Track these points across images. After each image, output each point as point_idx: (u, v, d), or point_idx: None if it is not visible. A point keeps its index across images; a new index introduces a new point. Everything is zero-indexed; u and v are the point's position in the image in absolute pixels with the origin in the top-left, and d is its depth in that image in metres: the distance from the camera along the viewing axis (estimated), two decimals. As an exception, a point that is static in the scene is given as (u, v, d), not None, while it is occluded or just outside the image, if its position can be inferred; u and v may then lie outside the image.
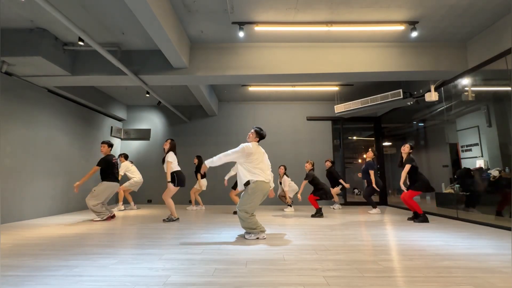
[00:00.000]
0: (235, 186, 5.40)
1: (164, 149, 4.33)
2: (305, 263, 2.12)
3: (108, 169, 4.29)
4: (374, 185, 5.36)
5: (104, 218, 4.25)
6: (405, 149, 4.36)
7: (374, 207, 5.38)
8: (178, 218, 4.22)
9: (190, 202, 7.04)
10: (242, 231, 3.41)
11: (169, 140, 4.34)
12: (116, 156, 6.21)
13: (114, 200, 7.10)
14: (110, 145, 4.50)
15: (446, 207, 4.92)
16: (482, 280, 1.79)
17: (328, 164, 6.00)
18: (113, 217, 4.39)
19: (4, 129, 4.08)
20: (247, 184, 3.07)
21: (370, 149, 5.67)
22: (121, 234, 3.20)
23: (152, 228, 3.60)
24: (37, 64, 4.05)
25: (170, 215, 4.18)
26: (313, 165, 5.21)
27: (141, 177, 6.08)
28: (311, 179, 4.90)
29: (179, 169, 4.26)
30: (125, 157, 6.14)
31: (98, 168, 4.23)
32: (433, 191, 4.44)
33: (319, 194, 4.80)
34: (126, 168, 5.93)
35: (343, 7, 3.66)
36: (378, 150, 7.32)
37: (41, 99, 4.84)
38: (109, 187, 4.25)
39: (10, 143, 4.19)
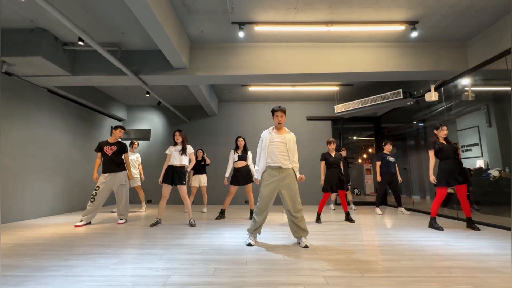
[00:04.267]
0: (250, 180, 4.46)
1: (175, 141, 3.97)
2: (305, 263, 2.12)
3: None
4: (399, 177, 5.27)
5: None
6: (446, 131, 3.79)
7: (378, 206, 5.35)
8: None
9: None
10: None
11: (180, 132, 3.98)
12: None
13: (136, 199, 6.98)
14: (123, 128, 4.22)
15: (446, 207, 4.92)
16: (482, 280, 1.79)
17: (344, 153, 5.83)
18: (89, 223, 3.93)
19: (4, 129, 4.08)
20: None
21: (388, 142, 5.40)
22: (121, 234, 3.20)
23: (152, 228, 3.60)
24: (37, 64, 4.05)
25: (191, 217, 3.90)
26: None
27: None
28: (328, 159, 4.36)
29: None
30: (138, 144, 5.68)
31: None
32: None
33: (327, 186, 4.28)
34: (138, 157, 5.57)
35: (343, 7, 3.66)
36: (378, 150, 7.32)
37: (41, 99, 4.84)
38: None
39: (10, 143, 4.19)
